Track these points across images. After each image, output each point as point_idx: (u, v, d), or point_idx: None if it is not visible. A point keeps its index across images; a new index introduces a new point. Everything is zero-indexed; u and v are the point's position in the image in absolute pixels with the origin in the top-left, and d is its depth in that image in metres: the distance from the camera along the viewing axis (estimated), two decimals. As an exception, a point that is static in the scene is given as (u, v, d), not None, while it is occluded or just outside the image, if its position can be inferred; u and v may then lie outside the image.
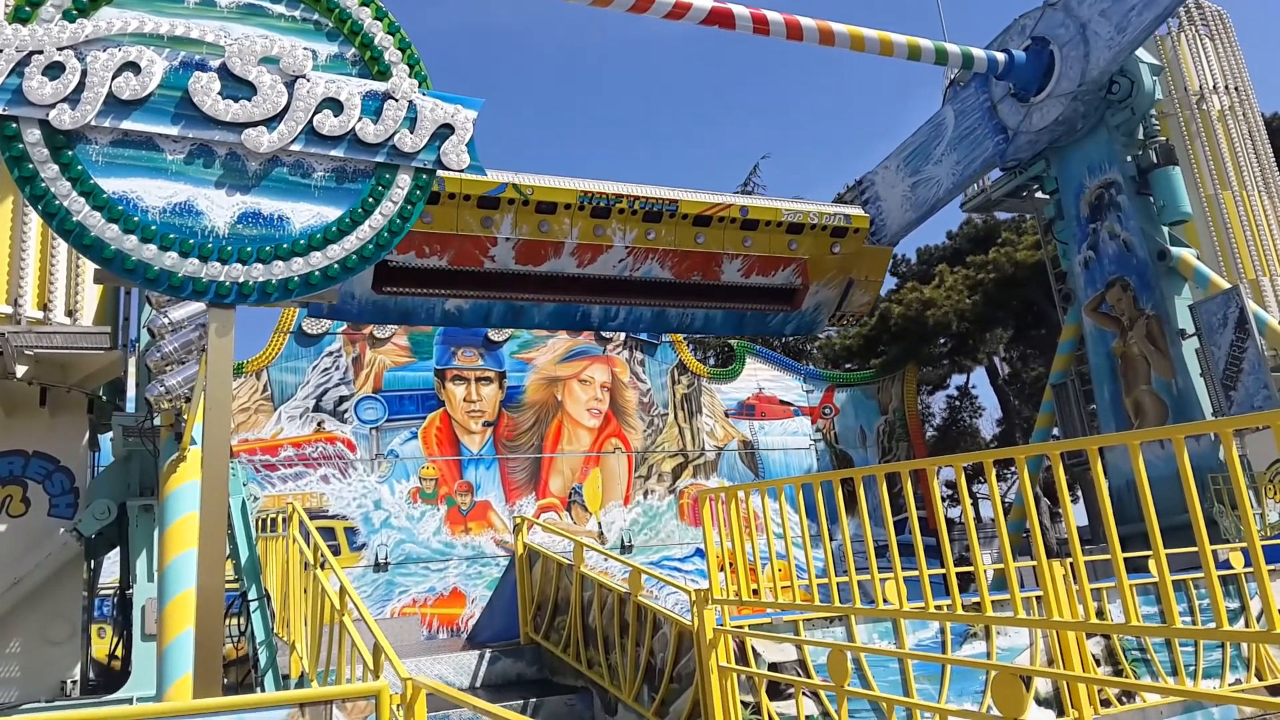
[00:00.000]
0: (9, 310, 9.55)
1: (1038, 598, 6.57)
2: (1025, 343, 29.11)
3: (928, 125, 16.14)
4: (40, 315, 9.77)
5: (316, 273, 5.29)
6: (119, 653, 11.01)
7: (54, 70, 4.73)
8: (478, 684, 7.97)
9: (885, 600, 4.97)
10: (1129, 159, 14.32)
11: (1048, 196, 16.30)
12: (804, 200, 15.30)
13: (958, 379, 33.11)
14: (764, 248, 13.97)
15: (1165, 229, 14.02)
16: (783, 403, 21.01)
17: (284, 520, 8.65)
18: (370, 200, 5.47)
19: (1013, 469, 25.81)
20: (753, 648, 5.98)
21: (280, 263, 5.21)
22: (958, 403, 34.00)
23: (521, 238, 12.69)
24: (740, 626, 6.10)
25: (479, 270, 12.86)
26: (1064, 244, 15.66)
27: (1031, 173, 15.99)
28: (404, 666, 4.86)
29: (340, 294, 12.03)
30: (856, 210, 15.42)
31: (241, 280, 5.08)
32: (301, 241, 5.26)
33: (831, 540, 5.73)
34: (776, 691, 5.91)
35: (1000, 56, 14.42)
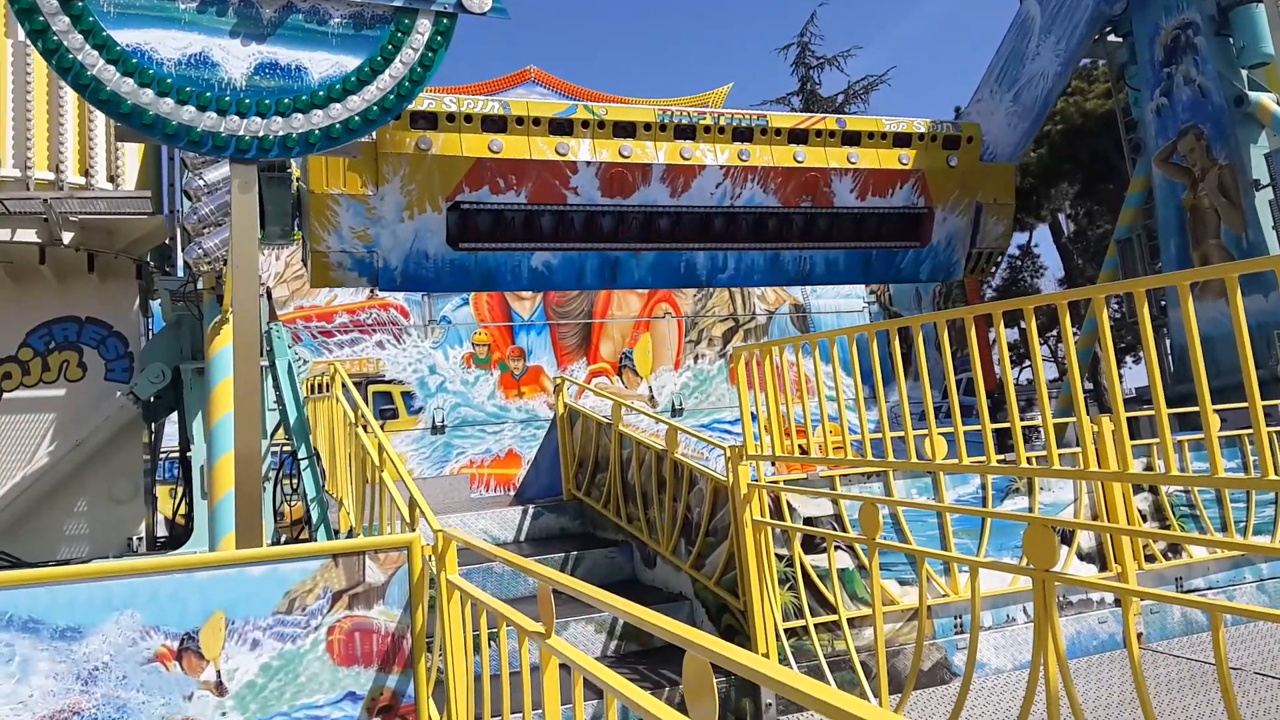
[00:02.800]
0: (51, 177, 9.59)
1: (1079, 453, 6.41)
2: (1092, 198, 28.08)
3: (1011, 32, 15.07)
4: (82, 181, 9.80)
5: (337, 125, 5.14)
6: (184, 511, 11.43)
7: (54, -86, 4.54)
8: (521, 538, 8.13)
9: (920, 456, 4.86)
10: (1207, -5, 13.36)
11: (1120, 40, 15.36)
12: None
13: (1019, 237, 32.22)
14: (873, 162, 12.50)
15: (1244, 72, 13.15)
16: (836, 264, 20.60)
17: (329, 382, 8.75)
18: (390, 48, 5.25)
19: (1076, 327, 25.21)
20: (788, 502, 5.96)
21: (300, 115, 5.06)
22: (1019, 262, 33.20)
23: (603, 161, 11.30)
24: (775, 482, 6.06)
25: (564, 209, 11.47)
26: (1136, 91, 14.82)
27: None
28: (437, 520, 4.91)
29: (413, 255, 10.73)
30: (965, 122, 13.99)
31: (261, 134, 4.96)
32: (320, 93, 5.10)
33: (887, 401, 5.59)
34: (811, 545, 5.91)
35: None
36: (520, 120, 10.90)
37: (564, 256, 11.57)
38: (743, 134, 11.79)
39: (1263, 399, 3.19)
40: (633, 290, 18.77)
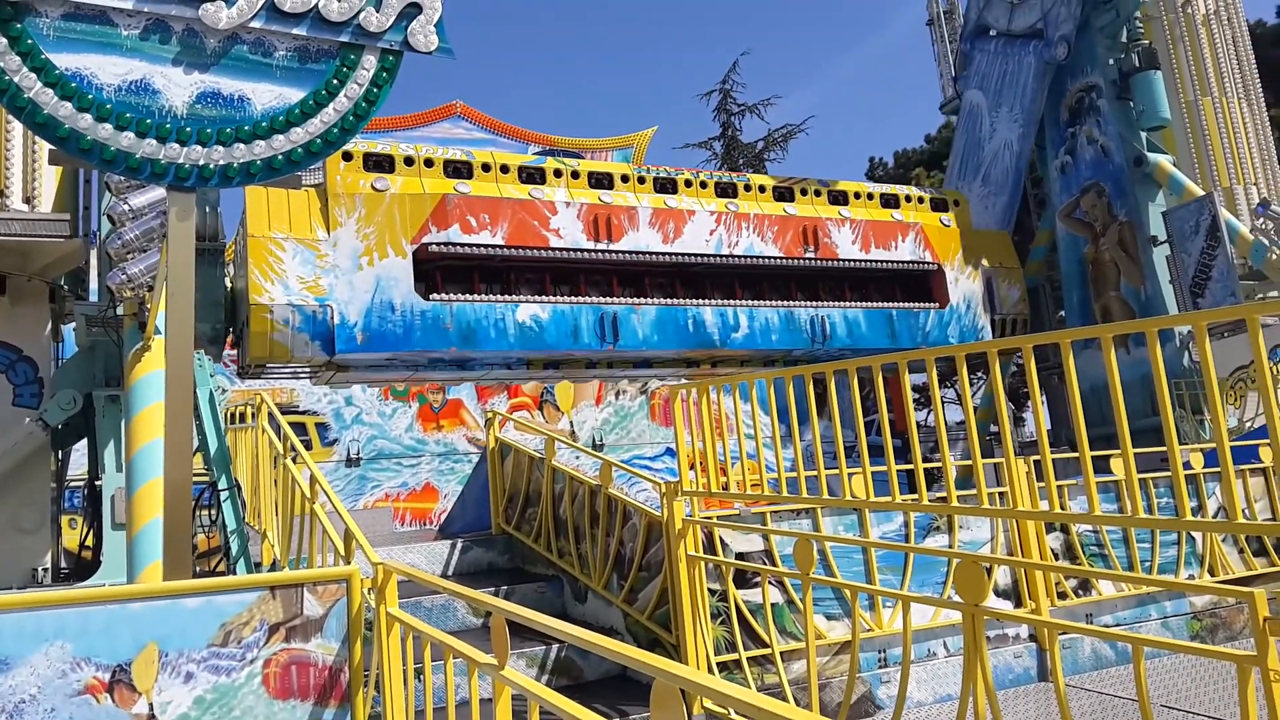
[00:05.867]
0: (-36, 196, 9.29)
1: (1001, 494, 6.70)
2: (998, 249, 29.18)
3: (960, 126, 15.57)
4: (-4, 201, 9.51)
5: (279, 156, 5.15)
6: (90, 542, 11.04)
7: (-2, -65, 4.49)
8: (450, 572, 8.08)
9: (852, 494, 5.03)
10: (1110, 62, 14.15)
11: (1028, 99, 16.11)
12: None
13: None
14: (865, 215, 11.84)
15: (1143, 134, 13.94)
16: (756, 306, 20.97)
17: (253, 412, 8.60)
18: (335, 82, 5.29)
19: (979, 374, 26.06)
20: (720, 538, 6.08)
21: (241, 145, 5.06)
22: (928, 308, 34.17)
23: (585, 204, 10.21)
24: (709, 518, 6.18)
25: (547, 253, 9.96)
26: (1041, 149, 15.55)
27: (1012, 74, 15.76)
28: (376, 553, 4.89)
29: (375, 307, 9.17)
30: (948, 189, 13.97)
31: (201, 163, 4.94)
32: (263, 123, 5.10)
33: (801, 440, 5.76)
34: (743, 580, 6.03)
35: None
36: (487, 167, 10.04)
37: (555, 309, 10.00)
38: (726, 189, 11.18)
39: (1158, 445, 3.41)
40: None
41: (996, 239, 13.59)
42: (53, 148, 4.87)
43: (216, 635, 4.09)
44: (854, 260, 11.53)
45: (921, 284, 12.38)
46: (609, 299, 10.39)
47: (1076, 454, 3.72)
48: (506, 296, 9.90)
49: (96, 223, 10.33)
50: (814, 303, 11.33)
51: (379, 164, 9.61)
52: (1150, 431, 8.91)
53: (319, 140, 5.29)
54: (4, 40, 4.68)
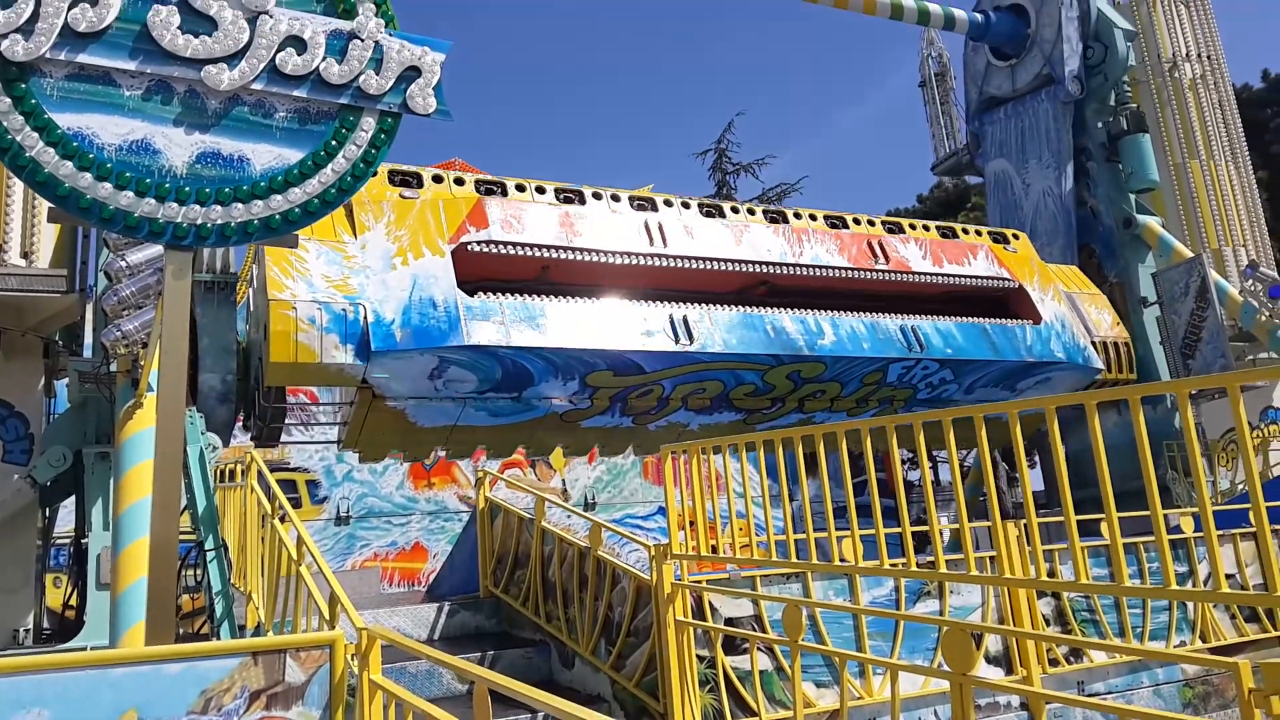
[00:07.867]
0: (-39, 252, 9.35)
1: (991, 558, 6.66)
2: (990, 309, 29.36)
3: (991, 198, 15.80)
4: (-7, 257, 9.56)
5: (277, 216, 5.18)
6: (74, 602, 10.91)
7: (6, -1, 4.57)
8: (436, 636, 7.98)
9: (842, 558, 5.02)
10: (1099, 125, 14.39)
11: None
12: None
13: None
14: (925, 238, 11.14)
15: (1132, 196, 14.15)
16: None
17: (243, 471, 8.56)
18: (333, 143, 5.34)
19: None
20: (710, 603, 6.03)
21: (240, 205, 5.10)
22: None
23: (634, 213, 9.59)
24: (699, 582, 6.14)
25: (597, 258, 9.27)
26: (1032, 210, 15.76)
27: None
28: (360, 618, 4.84)
29: (415, 304, 8.24)
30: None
31: (199, 222, 4.97)
32: (262, 183, 5.15)
33: (791, 501, 5.73)
34: (732, 646, 5.97)
35: (979, 16, 14.52)
36: (521, 188, 9.44)
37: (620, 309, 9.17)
38: (776, 217, 10.62)
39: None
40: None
41: (1068, 270, 13.21)
42: (52, 205, 4.91)
43: (196, 702, 4.03)
44: (931, 275, 10.82)
45: (1003, 304, 11.60)
46: (674, 298, 9.56)
47: (1073, 519, 3.71)
48: (560, 298, 9.01)
49: (93, 278, 10.36)
50: (901, 315, 10.54)
51: (405, 181, 9.08)
52: (1143, 494, 8.90)
53: (316, 200, 5.33)
54: (8, 100, 4.73)
